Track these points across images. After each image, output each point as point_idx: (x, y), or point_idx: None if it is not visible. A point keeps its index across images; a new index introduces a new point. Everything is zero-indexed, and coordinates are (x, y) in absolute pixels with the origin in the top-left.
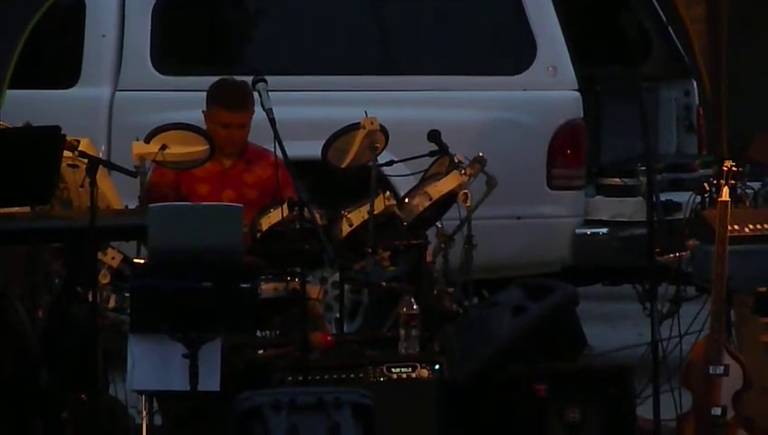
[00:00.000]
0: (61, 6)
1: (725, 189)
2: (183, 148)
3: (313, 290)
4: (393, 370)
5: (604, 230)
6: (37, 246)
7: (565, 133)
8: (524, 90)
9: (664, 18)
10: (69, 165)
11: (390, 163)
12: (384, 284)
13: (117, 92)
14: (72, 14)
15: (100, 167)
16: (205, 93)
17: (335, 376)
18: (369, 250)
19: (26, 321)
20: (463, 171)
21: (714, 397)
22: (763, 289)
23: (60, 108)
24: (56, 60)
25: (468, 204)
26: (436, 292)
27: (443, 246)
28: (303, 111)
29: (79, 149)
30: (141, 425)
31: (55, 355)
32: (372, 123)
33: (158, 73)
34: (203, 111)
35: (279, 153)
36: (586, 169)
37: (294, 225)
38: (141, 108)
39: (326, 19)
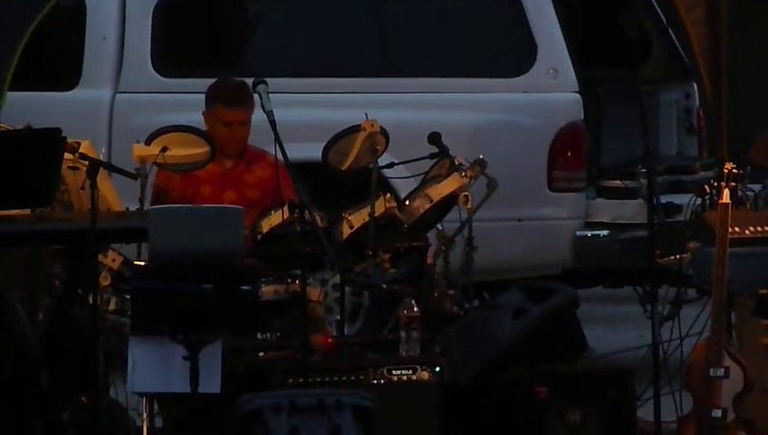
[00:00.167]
0: (61, 8)
1: (726, 192)
2: (184, 150)
3: (314, 292)
4: (394, 372)
5: (605, 232)
6: (38, 248)
7: (566, 135)
8: (525, 92)
9: (664, 20)
10: (69, 167)
11: (391, 165)
12: (385, 286)
13: (117, 95)
14: (73, 17)
15: (101, 169)
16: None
17: (336, 378)
18: (370, 252)
19: (27, 323)
20: (463, 173)
21: (714, 399)
22: (764, 291)
23: (60, 110)
24: (57, 62)
25: (469, 206)
26: (436, 294)
27: (443, 248)
28: (304, 114)
29: (79, 151)
30: (142, 427)
31: (56, 357)
32: (373, 125)
33: (158, 76)
34: (203, 113)
35: (280, 155)
36: (586, 172)
37: (295, 227)
38: (142, 110)
39: (326, 21)
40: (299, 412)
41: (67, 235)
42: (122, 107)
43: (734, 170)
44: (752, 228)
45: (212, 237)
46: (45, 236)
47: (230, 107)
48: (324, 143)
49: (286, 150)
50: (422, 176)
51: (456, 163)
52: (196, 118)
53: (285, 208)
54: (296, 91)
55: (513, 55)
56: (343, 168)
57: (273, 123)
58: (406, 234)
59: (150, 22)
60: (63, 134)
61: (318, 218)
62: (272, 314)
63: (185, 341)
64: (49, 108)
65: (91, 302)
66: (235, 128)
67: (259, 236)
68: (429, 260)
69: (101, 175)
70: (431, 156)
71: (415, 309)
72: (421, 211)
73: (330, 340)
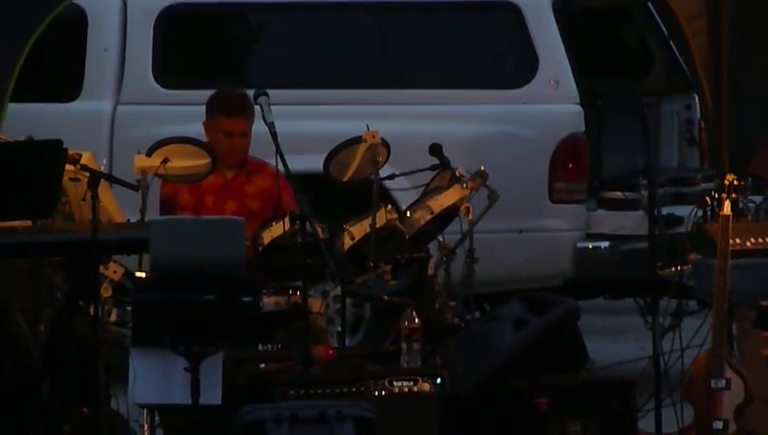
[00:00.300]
0: (63, 20)
1: (727, 203)
2: (185, 161)
3: (315, 304)
4: (395, 383)
5: (606, 244)
6: (39, 259)
7: (567, 147)
8: (526, 103)
9: (665, 32)
10: (71, 179)
11: (392, 177)
12: (386, 297)
13: (119, 106)
14: (74, 28)
15: (102, 180)
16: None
17: (337, 390)
18: (371, 264)
19: (28, 334)
20: (464, 185)
21: (715, 411)
22: (765, 303)
23: (62, 122)
24: (58, 73)
25: (470, 217)
26: (437, 305)
27: (445, 259)
28: (305, 125)
29: (81, 162)
30: None
31: (57, 369)
32: (374, 137)
33: (159, 87)
34: (203, 123)
35: (281, 167)
36: (587, 183)
37: (296, 238)
38: (143, 121)
39: (327, 33)
40: (300, 424)
41: (68, 246)
42: (123, 118)
43: (735, 182)
44: (753, 240)
45: (213, 249)
46: (46, 248)
47: (231, 117)
48: (325, 155)
49: (287, 162)
50: (423, 187)
51: (458, 175)
52: (198, 129)
53: (286, 220)
54: (297, 102)
55: (515, 67)
56: (344, 179)
57: (274, 135)
58: (407, 245)
59: (152, 33)
60: (65, 146)
61: (319, 230)
62: (273, 326)
63: (186, 352)
64: (50, 119)
65: (92, 313)
66: (235, 138)
67: (260, 248)
68: (430, 272)
69: (103, 186)
70: (432, 167)
71: (416, 320)
72: (422, 223)
73: (331, 351)
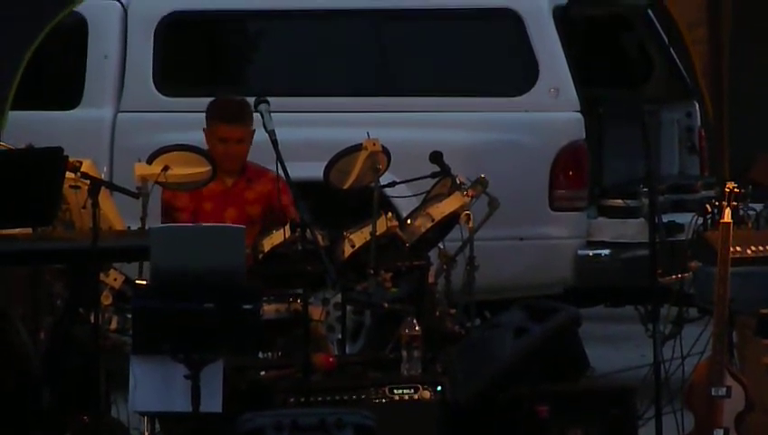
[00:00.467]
0: (63, 27)
1: (728, 211)
2: (185, 169)
3: (315, 311)
4: (395, 391)
5: (606, 251)
6: (39, 267)
7: (567, 154)
8: (527, 111)
9: (666, 40)
10: (71, 186)
11: (392, 184)
12: (386, 305)
13: (119, 114)
14: (75, 36)
15: (103, 188)
16: None
17: (337, 397)
18: (372, 271)
19: (28, 342)
20: (465, 192)
21: (716, 418)
22: (766, 311)
23: (62, 129)
24: (59, 81)
25: (470, 225)
26: (438, 313)
27: (445, 267)
28: (305, 133)
29: (81, 170)
30: None
31: (57, 376)
32: (374, 144)
33: (160, 95)
34: (204, 130)
35: (281, 174)
36: (588, 191)
37: (296, 246)
38: (144, 129)
39: (328, 41)
40: (300, 431)
41: (69, 254)
42: (124, 126)
43: (735, 189)
44: (753, 248)
45: (213, 256)
46: (47, 256)
47: (226, 124)
48: (326, 162)
49: (288, 169)
50: (424, 195)
51: (458, 182)
52: (198, 137)
53: (287, 227)
54: (297, 110)
55: (515, 75)
56: (345, 187)
57: (274, 142)
58: (407, 253)
59: (152, 41)
60: (65, 153)
61: (319, 237)
62: (273, 333)
63: (186, 360)
64: (51, 127)
65: (92, 321)
66: (230, 145)
67: (261, 255)
68: (431, 279)
69: (103, 194)
70: (433, 175)
71: (416, 328)
72: (423, 230)
73: (331, 359)
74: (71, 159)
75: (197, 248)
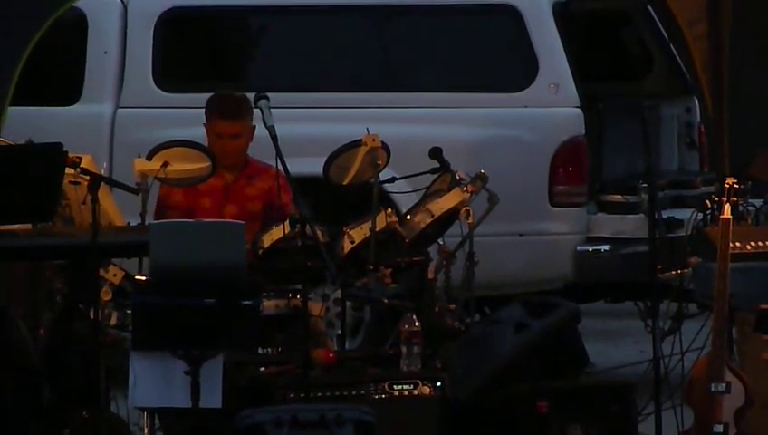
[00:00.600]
0: (63, 23)
1: (727, 206)
2: (185, 165)
3: (315, 307)
4: (395, 387)
5: (606, 247)
6: (39, 263)
7: (567, 150)
8: (526, 107)
9: (665, 35)
10: (71, 182)
11: (392, 180)
12: (386, 301)
13: (119, 109)
14: (75, 31)
15: (102, 184)
16: None
17: (337, 393)
18: (371, 267)
19: (28, 338)
20: (464, 188)
21: (715, 414)
22: (765, 306)
23: (62, 125)
24: (58, 77)
25: (470, 221)
26: (437, 309)
27: (445, 263)
28: (305, 128)
29: (81, 166)
30: None
31: (57, 372)
32: (374, 140)
33: (160, 90)
34: (204, 125)
35: (281, 170)
36: (588, 186)
37: (296, 242)
38: (143, 125)
39: (328, 36)
40: (300, 427)
41: (68, 249)
42: (124, 122)
43: (735, 185)
44: (753, 243)
45: (213, 252)
46: (47, 251)
47: (222, 119)
48: (325, 158)
49: (288, 165)
50: (423, 190)
51: (458, 178)
52: (198, 132)
53: (287, 223)
54: (297, 105)
55: (515, 70)
56: (344, 182)
57: (274, 138)
58: (407, 249)
59: (152, 36)
60: (65, 149)
61: (319, 233)
62: (273, 329)
63: (186, 356)
64: (50, 123)
65: (92, 317)
66: (225, 140)
67: (260, 251)
68: (430, 275)
69: (103, 190)
70: (432, 171)
71: (416, 324)
72: (422, 226)
73: (331, 355)
74: (70, 155)
75: (197, 244)
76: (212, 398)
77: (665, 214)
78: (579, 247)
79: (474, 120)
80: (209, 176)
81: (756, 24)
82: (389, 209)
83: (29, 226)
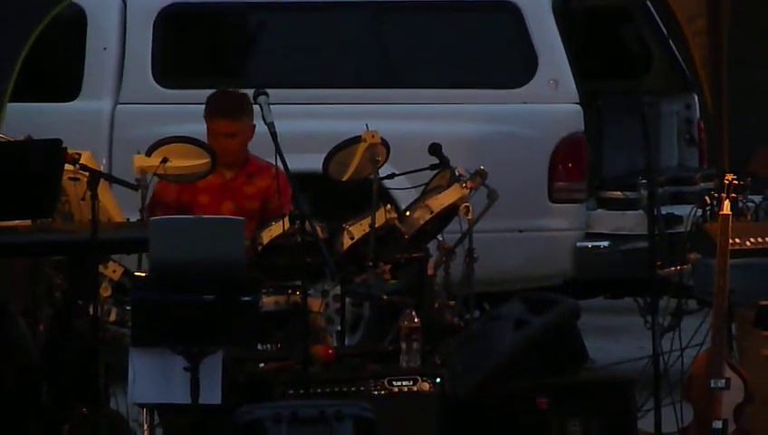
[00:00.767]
0: (62, 19)
1: (727, 203)
2: (184, 161)
3: (315, 303)
4: (394, 383)
5: (605, 243)
6: (39, 259)
7: (566, 146)
8: (525, 103)
9: (665, 32)
10: (70, 178)
11: (391, 176)
12: (385, 297)
13: (118, 106)
14: (74, 28)
15: (102, 180)
16: None
17: (336, 389)
18: (371, 263)
19: (27, 334)
20: (464, 184)
21: (715, 410)
22: (765, 303)
23: (61, 121)
24: (58, 73)
25: (469, 217)
26: (437, 305)
27: (444, 259)
28: (305, 125)
29: (80, 162)
30: None
31: (57, 369)
32: (373, 136)
33: (159, 87)
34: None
35: (281, 166)
36: (587, 183)
37: (296, 238)
38: (143, 121)
39: (327, 32)
40: (299, 423)
41: (68, 246)
42: (123, 118)
43: (734, 181)
44: (752, 240)
45: (213, 248)
46: (46, 247)
47: (219, 118)
48: (325, 154)
49: (287, 161)
50: (423, 187)
51: (457, 174)
52: (197, 129)
53: (286, 219)
54: (297, 102)
55: (514, 66)
56: (344, 179)
57: (273, 135)
58: (406, 245)
59: (151, 32)
60: (64, 145)
61: (319, 229)
62: (272, 325)
63: (185, 352)
64: (50, 119)
65: (91, 313)
66: (222, 139)
67: (260, 247)
68: (430, 271)
69: (102, 186)
70: (432, 167)
71: (415, 320)
72: (422, 222)
73: (330, 351)
74: (70, 151)
75: (197, 240)
76: (211, 394)
77: (664, 210)
78: (578, 244)
79: (473, 116)
80: (209, 172)
81: (755, 19)
82: (389, 206)
83: (28, 222)
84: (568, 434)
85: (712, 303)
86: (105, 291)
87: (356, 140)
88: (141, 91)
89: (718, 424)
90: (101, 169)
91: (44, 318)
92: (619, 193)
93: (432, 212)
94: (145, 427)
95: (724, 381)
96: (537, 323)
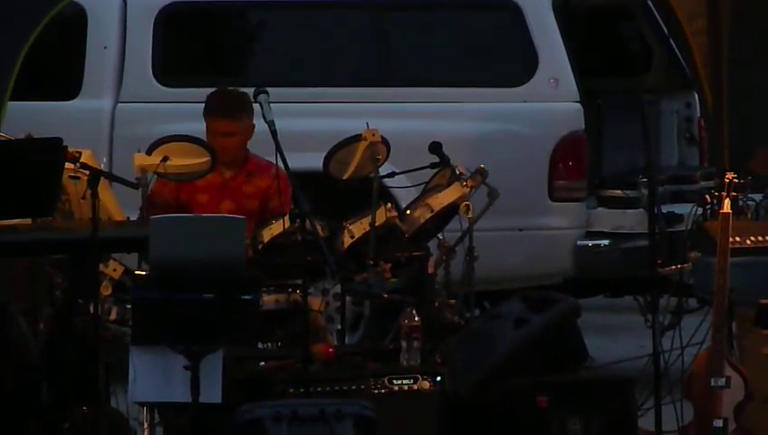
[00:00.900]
0: (62, 18)
1: (727, 201)
2: (184, 159)
3: (315, 302)
4: (395, 382)
5: (606, 242)
6: (39, 258)
7: (567, 145)
8: (526, 102)
9: (665, 30)
10: (70, 177)
11: (392, 175)
12: (386, 295)
13: (118, 104)
14: (74, 26)
15: (102, 178)
16: None
17: (337, 388)
18: (371, 262)
19: (28, 333)
20: (464, 183)
21: (715, 409)
22: (765, 301)
23: (62, 119)
24: (58, 71)
25: (470, 216)
26: (437, 304)
27: (444, 257)
28: (305, 123)
29: (80, 160)
30: None
31: (57, 367)
32: (374, 135)
33: (159, 85)
34: None
35: (281, 165)
36: (587, 181)
37: (296, 236)
38: (143, 119)
39: (327, 31)
40: (300, 422)
41: (68, 244)
42: (123, 116)
43: (734, 180)
44: (753, 238)
45: (213, 247)
46: (46, 246)
47: (217, 118)
48: (325, 153)
49: (288, 160)
50: (423, 185)
51: (457, 173)
52: (198, 127)
53: (286, 218)
54: (297, 100)
55: (515, 65)
56: (344, 177)
57: (274, 133)
58: (407, 243)
59: (152, 31)
60: (64, 144)
61: (319, 228)
62: (273, 324)
63: (186, 350)
64: (50, 117)
65: (91, 311)
66: (220, 138)
67: (260, 246)
68: (430, 270)
69: (102, 184)
70: (432, 165)
71: (416, 318)
72: (422, 221)
73: (330, 349)
74: (70, 150)
75: (197, 239)
76: (212, 393)
77: (665, 209)
78: (578, 242)
79: (473, 114)
80: (209, 171)
81: (755, 18)
82: (389, 204)
83: (29, 220)
84: (568, 433)
85: (712, 301)
86: (105, 290)
87: (356, 138)
88: (142, 90)
89: (719, 423)
90: (102, 167)
91: (45, 317)
92: (619, 192)
93: (432, 211)
94: (145, 426)
95: (724, 379)
96: (537, 321)
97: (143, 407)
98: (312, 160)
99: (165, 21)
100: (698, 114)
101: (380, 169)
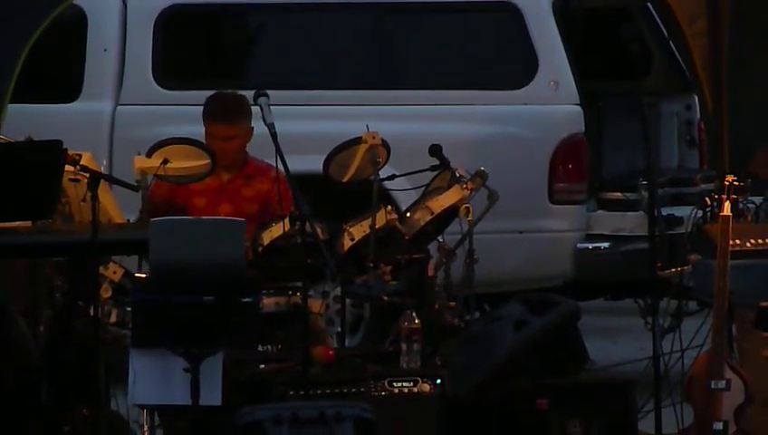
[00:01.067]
0: (63, 21)
1: (727, 204)
2: (184, 162)
3: (315, 304)
4: (395, 384)
5: (606, 244)
6: (39, 260)
7: (567, 147)
8: (526, 104)
9: (665, 33)
10: (70, 179)
11: (392, 177)
12: (386, 298)
13: (119, 107)
14: (74, 29)
15: (102, 181)
16: None
17: (337, 390)
18: (371, 264)
19: (28, 335)
20: (464, 185)
21: (715, 411)
22: (765, 304)
23: (62, 122)
24: (58, 74)
25: (470, 218)
26: (437, 306)
27: (444, 260)
28: (305, 126)
29: (80, 163)
30: None
31: (57, 370)
32: (374, 138)
33: (159, 88)
34: None
35: (281, 167)
36: (587, 184)
37: (296, 239)
38: (143, 122)
39: (328, 34)
40: (300, 424)
41: (68, 247)
42: (123, 119)
43: (734, 183)
44: (753, 241)
45: (213, 249)
46: (46, 249)
47: (215, 122)
48: (325, 155)
49: (288, 162)
50: (423, 188)
51: (457, 175)
52: (197, 130)
53: (286, 220)
54: (297, 103)
55: (515, 68)
56: (344, 180)
57: (274, 136)
58: (407, 246)
59: (152, 34)
60: (65, 146)
61: (319, 230)
62: (273, 326)
63: (186, 353)
64: (50, 120)
65: (91, 314)
66: (217, 142)
67: (260, 249)
68: (430, 272)
69: (102, 187)
70: (432, 168)
71: (416, 321)
72: (422, 223)
73: (330, 352)
74: (70, 152)
75: (197, 241)
76: (212, 395)
77: (665, 211)
78: (579, 245)
79: (474, 117)
80: (209, 173)
81: (755, 20)
82: (389, 207)
83: (29, 223)
84: None
85: (712, 304)
86: (105, 292)
87: (356, 141)
88: (142, 93)
89: (719, 425)
90: (102, 170)
91: (45, 319)
92: (619, 194)
93: (432, 213)
94: (145, 428)
95: (724, 382)
96: (537, 324)
97: (143, 409)
98: (312, 163)
99: (165, 23)
100: (698, 117)
101: (381, 172)
